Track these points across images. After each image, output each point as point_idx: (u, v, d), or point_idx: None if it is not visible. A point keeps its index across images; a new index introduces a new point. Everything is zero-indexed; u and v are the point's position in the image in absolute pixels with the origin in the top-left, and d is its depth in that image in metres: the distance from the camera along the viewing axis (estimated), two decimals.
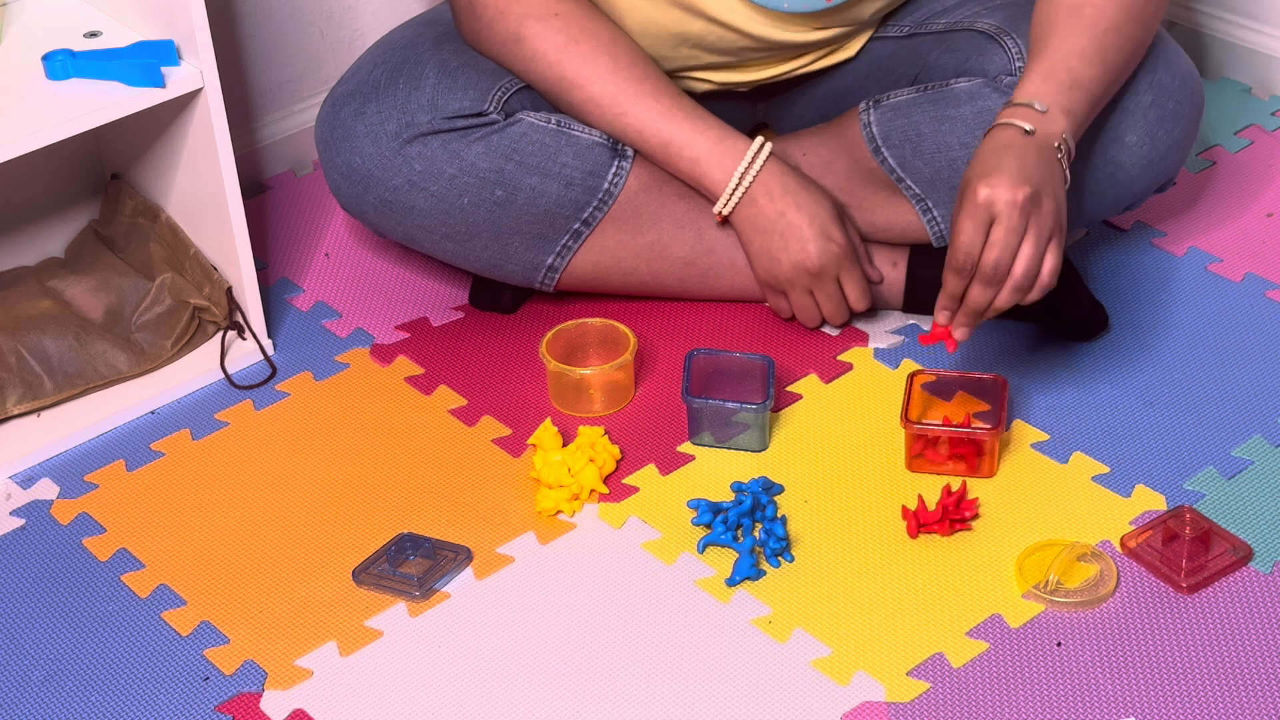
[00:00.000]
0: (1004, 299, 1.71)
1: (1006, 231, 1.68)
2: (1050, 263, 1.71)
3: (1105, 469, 1.82)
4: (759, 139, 1.93)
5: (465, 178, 1.91)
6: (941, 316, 1.74)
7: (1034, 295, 1.73)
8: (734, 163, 1.91)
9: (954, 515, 1.75)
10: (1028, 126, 1.73)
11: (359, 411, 1.95)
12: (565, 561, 1.76)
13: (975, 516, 1.77)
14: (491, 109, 1.91)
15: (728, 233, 1.98)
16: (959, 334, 1.74)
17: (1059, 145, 1.74)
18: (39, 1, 1.96)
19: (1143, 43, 1.85)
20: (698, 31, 1.94)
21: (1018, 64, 1.91)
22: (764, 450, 1.87)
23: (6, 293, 2.02)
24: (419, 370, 2.00)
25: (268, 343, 2.03)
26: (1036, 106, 1.75)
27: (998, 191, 1.68)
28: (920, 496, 1.77)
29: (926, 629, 1.66)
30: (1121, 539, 1.74)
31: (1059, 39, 1.79)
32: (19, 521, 1.83)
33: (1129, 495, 1.80)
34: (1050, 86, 1.76)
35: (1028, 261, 1.69)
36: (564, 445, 1.85)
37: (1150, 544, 1.72)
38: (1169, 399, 1.91)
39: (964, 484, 1.76)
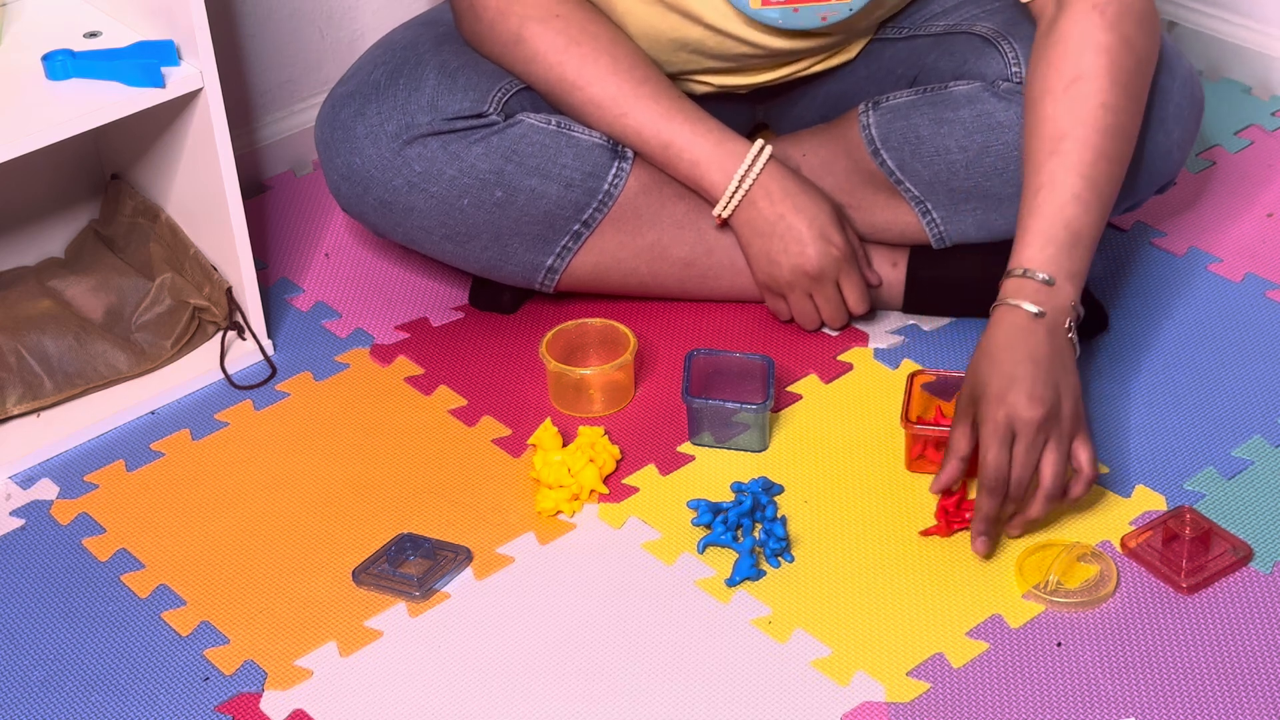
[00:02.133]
0: (1037, 509, 1.69)
1: (1026, 450, 1.67)
2: (1085, 455, 1.69)
3: (1105, 469, 1.82)
4: (759, 142, 1.93)
5: (465, 179, 1.91)
6: (980, 544, 1.70)
7: (1080, 491, 1.70)
8: (734, 165, 1.91)
9: (954, 517, 1.75)
10: (1036, 310, 1.70)
11: (359, 411, 1.95)
12: (565, 561, 1.76)
13: None
14: (491, 110, 1.91)
15: (727, 233, 1.98)
16: (979, 545, 1.71)
17: (1069, 323, 1.71)
18: (39, 1, 1.96)
19: (1129, 155, 1.79)
20: (696, 37, 1.94)
21: (1014, 69, 1.90)
22: (764, 450, 1.87)
23: (6, 293, 2.02)
24: (419, 370, 2.00)
25: (268, 343, 2.03)
26: (1042, 279, 1.71)
27: (1016, 412, 1.66)
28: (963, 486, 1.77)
29: (926, 629, 1.66)
30: (1121, 539, 1.74)
31: (1050, 184, 1.73)
32: (19, 521, 1.83)
33: (1129, 495, 1.80)
34: (1051, 251, 1.72)
35: (1053, 469, 1.68)
36: (564, 445, 1.85)
37: (1150, 544, 1.72)
38: (1169, 399, 1.91)
39: (964, 485, 1.76)
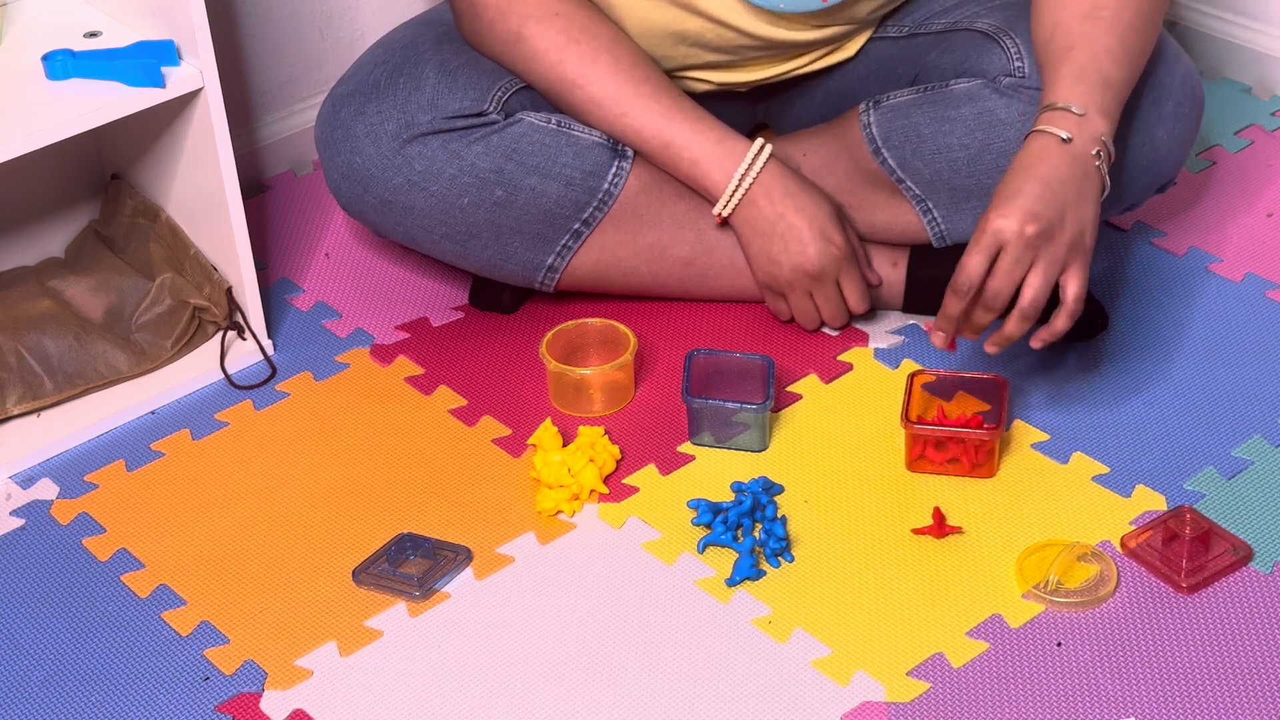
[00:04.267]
0: (1011, 327, 1.71)
1: (1011, 263, 1.68)
2: (1073, 289, 1.70)
3: (1105, 469, 1.82)
4: (759, 140, 1.93)
5: (465, 178, 1.91)
6: (937, 338, 1.74)
7: (1063, 323, 1.72)
8: (734, 164, 1.91)
9: (965, 426, 1.77)
10: (1064, 135, 1.72)
11: (359, 411, 1.95)
12: (565, 561, 1.76)
13: (980, 425, 1.79)
14: (491, 109, 1.91)
15: (728, 233, 1.98)
16: (935, 338, 1.74)
17: (1097, 151, 1.73)
18: (39, 1, 1.96)
19: (1153, 41, 1.85)
20: (696, 29, 1.94)
21: (1016, 64, 1.90)
22: (764, 450, 1.87)
23: (6, 293, 2.02)
24: (419, 370, 2.00)
25: (268, 343, 2.03)
26: (1074, 110, 1.73)
27: (1007, 223, 1.68)
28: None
29: (926, 629, 1.66)
30: (1121, 539, 1.74)
31: (1083, 41, 1.78)
32: (19, 521, 1.83)
33: (1129, 495, 1.80)
34: (1083, 88, 1.75)
35: (1033, 291, 1.69)
36: (564, 445, 1.85)
37: (1150, 544, 1.72)
38: (1169, 399, 1.91)
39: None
